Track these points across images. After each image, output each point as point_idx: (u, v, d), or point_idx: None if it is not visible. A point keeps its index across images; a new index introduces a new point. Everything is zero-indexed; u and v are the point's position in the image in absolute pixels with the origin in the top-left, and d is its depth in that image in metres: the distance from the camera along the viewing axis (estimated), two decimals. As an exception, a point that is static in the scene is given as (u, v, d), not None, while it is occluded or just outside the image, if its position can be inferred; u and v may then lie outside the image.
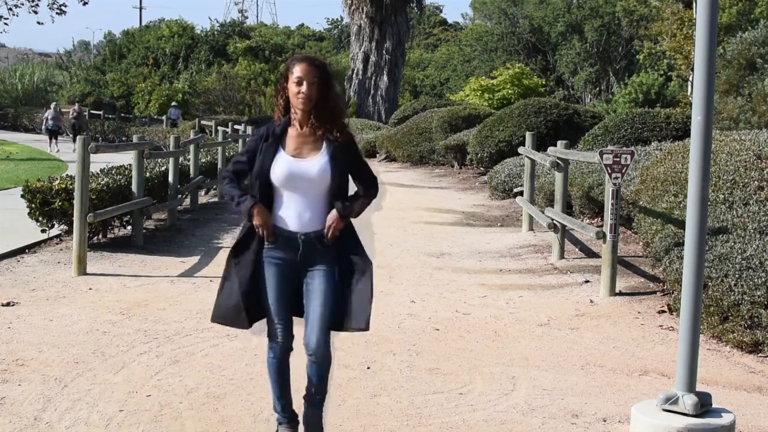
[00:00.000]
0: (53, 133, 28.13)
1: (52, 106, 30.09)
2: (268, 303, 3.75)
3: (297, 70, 3.65)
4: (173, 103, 37.62)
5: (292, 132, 3.74)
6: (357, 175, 3.82)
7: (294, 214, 3.72)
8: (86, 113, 37.42)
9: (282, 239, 3.72)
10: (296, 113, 3.72)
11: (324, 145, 3.71)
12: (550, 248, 9.47)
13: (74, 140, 24.06)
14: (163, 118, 36.55)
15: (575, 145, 13.93)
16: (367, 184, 3.83)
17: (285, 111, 3.75)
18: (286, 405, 3.90)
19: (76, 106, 31.85)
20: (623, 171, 7.24)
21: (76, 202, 8.28)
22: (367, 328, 3.78)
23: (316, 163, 3.69)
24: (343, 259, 3.75)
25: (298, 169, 3.69)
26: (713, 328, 5.95)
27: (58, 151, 26.84)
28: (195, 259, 9.05)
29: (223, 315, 3.84)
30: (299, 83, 3.65)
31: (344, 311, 3.73)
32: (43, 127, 29.59)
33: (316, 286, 3.72)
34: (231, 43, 49.26)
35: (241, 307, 3.75)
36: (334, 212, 3.69)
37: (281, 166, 3.69)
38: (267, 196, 3.72)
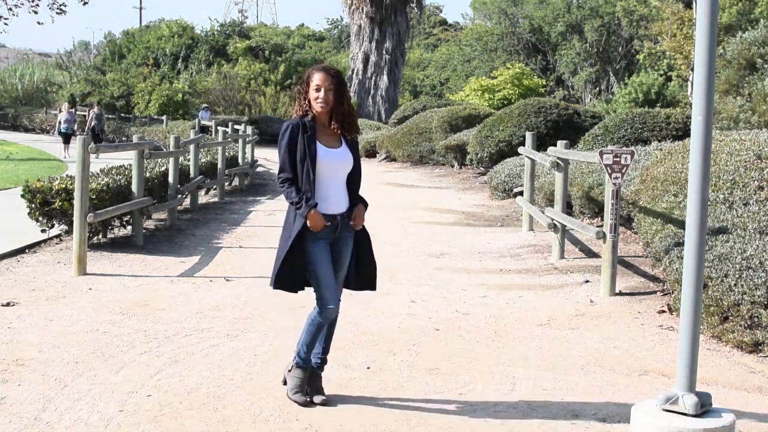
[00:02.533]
0: (67, 137, 25.98)
1: (64, 107, 27.87)
2: (320, 275, 4.43)
3: (316, 78, 4.38)
4: (204, 105, 34.16)
5: (320, 128, 4.46)
6: (353, 172, 4.54)
7: (331, 197, 4.45)
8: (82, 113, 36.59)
9: (326, 220, 4.42)
10: (317, 113, 4.43)
11: (342, 139, 4.50)
12: (550, 248, 9.48)
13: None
14: (163, 118, 36.28)
15: (575, 145, 13.93)
16: (356, 183, 4.58)
17: (307, 111, 4.45)
18: (308, 353, 4.59)
19: (96, 108, 29.04)
20: (623, 171, 7.24)
21: (76, 202, 8.28)
22: (374, 289, 4.73)
23: (342, 152, 4.48)
24: (356, 233, 4.56)
25: (334, 156, 4.44)
26: (713, 328, 5.95)
27: (68, 156, 24.76)
28: (195, 259, 9.05)
29: (282, 282, 4.50)
30: (318, 89, 4.38)
31: (357, 273, 4.61)
32: (56, 130, 27.16)
33: (342, 255, 4.53)
34: (231, 43, 49.21)
35: (298, 275, 4.48)
36: (361, 207, 4.54)
37: (322, 156, 4.40)
38: (311, 182, 4.38)
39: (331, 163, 4.41)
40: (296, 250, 4.41)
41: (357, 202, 4.54)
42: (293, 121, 4.42)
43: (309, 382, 4.61)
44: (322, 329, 4.53)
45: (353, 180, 4.54)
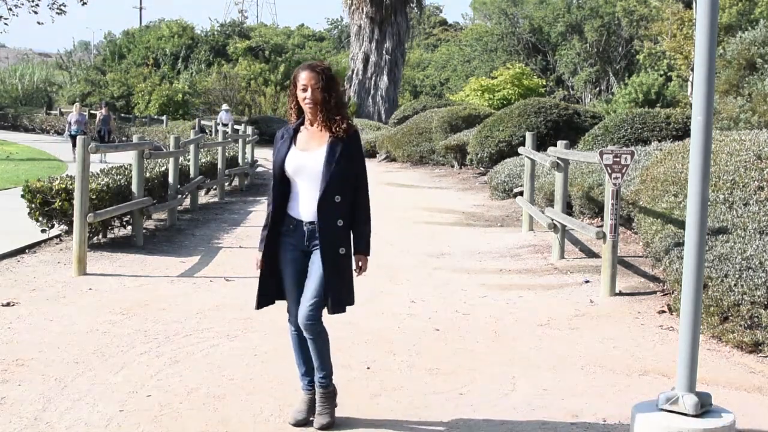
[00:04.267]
0: (77, 139, 24.80)
1: (75, 108, 26.29)
2: (284, 285, 4.25)
3: (301, 78, 4.14)
4: (224, 106, 32.53)
5: (304, 130, 4.24)
6: (354, 176, 4.17)
7: (303, 203, 4.16)
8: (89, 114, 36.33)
9: (293, 226, 4.18)
10: (307, 114, 4.20)
11: (327, 138, 4.15)
12: (550, 248, 9.48)
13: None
14: (163, 118, 36.19)
15: (575, 145, 13.94)
16: (361, 198, 4.20)
17: (299, 114, 4.24)
18: (307, 371, 4.32)
19: (104, 110, 27.82)
20: (623, 171, 7.24)
21: (76, 202, 8.28)
22: (337, 310, 4.18)
23: (317, 154, 4.13)
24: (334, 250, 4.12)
25: (302, 160, 4.14)
26: (713, 328, 5.95)
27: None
28: (195, 259, 9.05)
29: (261, 301, 4.29)
30: (304, 89, 4.14)
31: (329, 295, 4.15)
32: (66, 132, 26.18)
33: (312, 268, 4.16)
34: (231, 43, 49.22)
35: (272, 286, 4.26)
36: (361, 257, 4.20)
37: (290, 159, 4.16)
38: (283, 188, 4.18)
39: (297, 165, 4.13)
40: (266, 257, 4.24)
41: (363, 250, 4.20)
42: (279, 133, 4.30)
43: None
44: (301, 343, 4.28)
45: (329, 181, 4.08)
